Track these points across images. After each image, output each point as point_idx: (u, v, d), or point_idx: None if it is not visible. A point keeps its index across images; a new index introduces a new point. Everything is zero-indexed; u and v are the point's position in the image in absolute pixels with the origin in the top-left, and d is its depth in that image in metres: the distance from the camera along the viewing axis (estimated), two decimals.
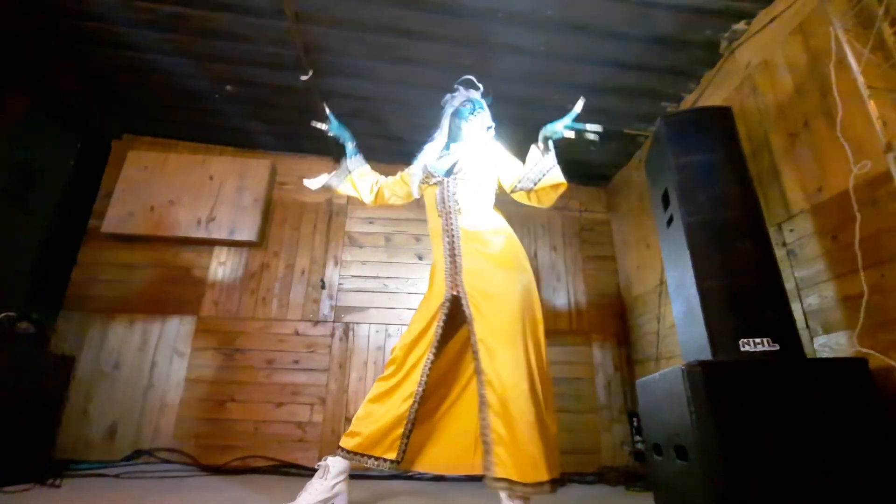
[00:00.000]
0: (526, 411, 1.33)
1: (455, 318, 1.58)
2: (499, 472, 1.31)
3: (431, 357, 1.52)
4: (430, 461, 1.56)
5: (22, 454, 1.97)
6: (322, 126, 1.88)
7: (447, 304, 1.55)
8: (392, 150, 3.13)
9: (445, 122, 1.83)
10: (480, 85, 1.86)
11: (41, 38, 2.44)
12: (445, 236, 1.62)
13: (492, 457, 1.33)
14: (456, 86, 1.89)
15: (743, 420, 1.21)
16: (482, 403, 1.40)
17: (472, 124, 1.78)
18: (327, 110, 1.92)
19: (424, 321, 1.56)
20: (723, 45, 2.19)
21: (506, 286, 1.50)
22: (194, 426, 2.61)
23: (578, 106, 1.57)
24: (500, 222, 1.68)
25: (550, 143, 1.58)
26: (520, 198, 1.70)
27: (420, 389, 1.49)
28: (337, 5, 2.15)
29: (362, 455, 1.45)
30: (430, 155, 1.79)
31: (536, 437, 1.31)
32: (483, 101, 1.85)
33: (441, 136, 1.81)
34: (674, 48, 2.23)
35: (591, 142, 1.58)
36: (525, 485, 1.28)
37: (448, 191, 1.67)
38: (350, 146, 1.90)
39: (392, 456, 1.44)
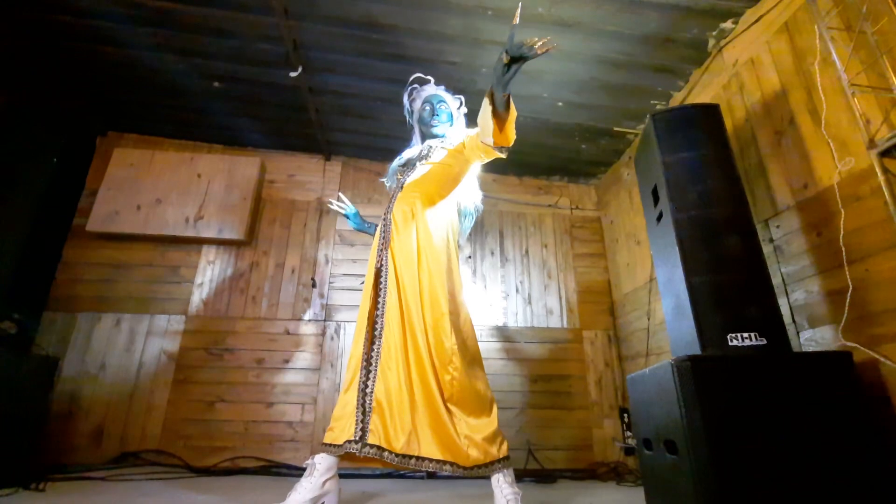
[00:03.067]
0: (408, 387, 1.44)
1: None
2: (371, 438, 1.39)
3: (369, 334, 1.54)
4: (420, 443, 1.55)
5: (4, 458, 1.92)
6: (341, 209, 1.97)
7: (374, 278, 1.61)
8: (382, 148, 3.12)
9: (416, 131, 1.89)
10: (429, 77, 1.89)
11: (23, 33, 2.39)
12: (384, 214, 1.71)
13: (369, 424, 1.41)
14: (409, 89, 1.90)
15: (731, 413, 1.22)
16: (370, 369, 1.48)
17: (440, 121, 1.81)
18: (344, 202, 1.97)
19: (363, 300, 1.63)
20: (711, 44, 2.22)
21: (413, 269, 1.57)
22: (183, 427, 2.58)
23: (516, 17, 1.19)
24: (434, 210, 1.67)
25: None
26: (475, 150, 1.63)
27: (363, 366, 1.50)
28: (326, 1, 2.13)
29: (335, 446, 1.43)
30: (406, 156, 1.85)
31: (419, 413, 1.41)
32: (439, 91, 1.87)
33: (417, 144, 1.88)
34: (662, 47, 2.24)
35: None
36: (395, 454, 1.37)
37: (404, 178, 1.74)
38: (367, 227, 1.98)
39: (349, 436, 1.40)
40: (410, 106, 1.89)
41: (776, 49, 1.87)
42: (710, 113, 1.70)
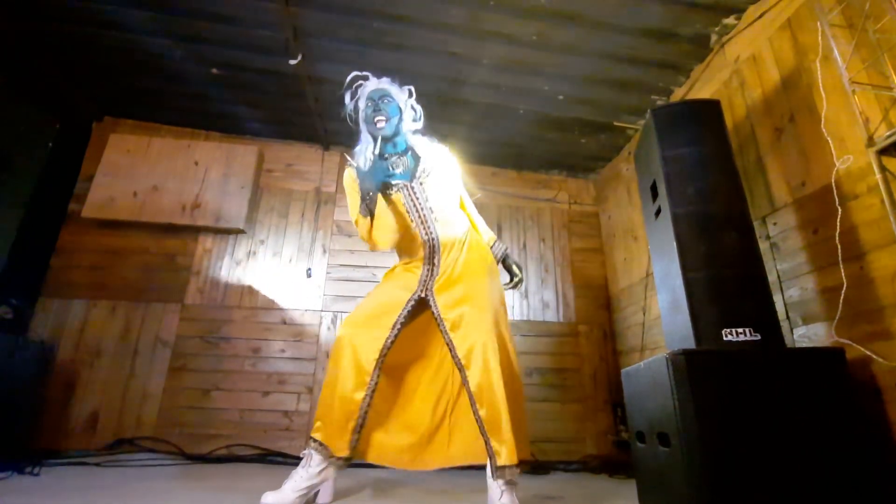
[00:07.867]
0: (503, 405, 1.40)
1: (415, 315, 1.59)
2: (499, 461, 1.38)
3: (387, 350, 1.51)
4: (389, 454, 1.57)
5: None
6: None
7: (413, 302, 1.56)
8: None
9: (366, 135, 1.62)
10: (365, 73, 1.65)
11: (17, 16, 2.35)
12: (426, 241, 1.59)
13: (492, 448, 1.39)
14: (351, 89, 1.66)
15: (724, 407, 1.23)
16: (473, 402, 1.44)
17: (383, 116, 1.56)
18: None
19: (383, 312, 1.54)
20: (713, 40, 2.21)
21: (479, 292, 1.54)
22: (178, 415, 2.58)
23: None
24: (466, 225, 1.69)
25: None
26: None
27: (373, 383, 1.49)
28: None
29: (325, 446, 1.43)
30: (369, 171, 1.54)
31: (512, 425, 1.40)
32: (382, 84, 1.63)
33: (367, 150, 1.57)
34: (665, 41, 2.24)
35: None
36: (515, 465, 1.38)
37: (416, 197, 1.58)
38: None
39: (344, 454, 1.44)
40: (355, 106, 1.66)
41: (778, 46, 1.87)
42: (711, 109, 1.70)
